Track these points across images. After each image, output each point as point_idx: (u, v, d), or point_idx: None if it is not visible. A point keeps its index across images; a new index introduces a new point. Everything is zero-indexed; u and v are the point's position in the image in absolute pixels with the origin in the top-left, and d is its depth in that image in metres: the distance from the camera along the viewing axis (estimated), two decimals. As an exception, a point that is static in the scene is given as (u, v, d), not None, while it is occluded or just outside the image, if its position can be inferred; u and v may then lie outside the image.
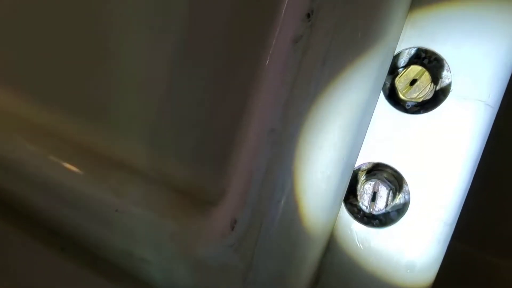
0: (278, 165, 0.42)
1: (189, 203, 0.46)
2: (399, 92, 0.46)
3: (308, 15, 0.41)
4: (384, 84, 0.47)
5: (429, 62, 0.49)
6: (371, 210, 0.46)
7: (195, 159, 0.49)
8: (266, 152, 0.42)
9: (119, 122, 0.52)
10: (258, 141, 0.42)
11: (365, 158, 0.47)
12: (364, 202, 0.46)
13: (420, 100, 0.46)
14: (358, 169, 0.48)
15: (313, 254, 0.45)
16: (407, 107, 0.49)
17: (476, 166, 0.45)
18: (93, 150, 0.51)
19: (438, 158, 0.45)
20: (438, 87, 0.47)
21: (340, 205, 0.46)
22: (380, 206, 0.46)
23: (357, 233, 0.47)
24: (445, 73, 0.47)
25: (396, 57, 0.47)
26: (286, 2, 0.42)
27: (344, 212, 0.47)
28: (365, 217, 0.47)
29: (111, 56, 0.52)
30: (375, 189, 0.46)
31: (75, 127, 0.51)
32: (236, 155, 0.44)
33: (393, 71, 0.48)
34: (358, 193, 0.47)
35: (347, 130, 0.42)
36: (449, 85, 0.46)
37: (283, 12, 0.42)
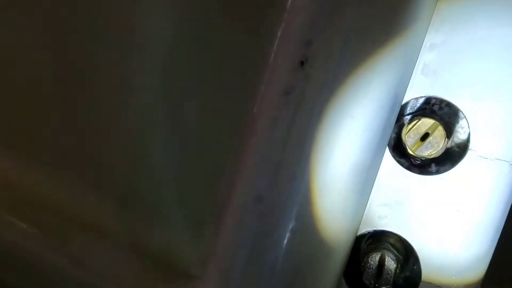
0: (266, 240, 0.35)
1: (163, 276, 0.39)
2: (408, 149, 0.40)
3: (302, 63, 0.34)
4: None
5: (440, 108, 0.42)
6: (376, 285, 0.39)
7: (173, 222, 0.42)
8: (251, 224, 0.35)
9: (86, 176, 0.45)
10: (243, 210, 0.36)
11: (368, 225, 0.40)
12: (368, 277, 0.39)
13: (432, 157, 0.40)
14: (361, 237, 0.41)
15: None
16: (415, 163, 0.42)
17: (499, 235, 0.39)
18: (52, 207, 0.44)
19: (453, 228, 0.38)
20: (450, 142, 0.40)
21: (340, 280, 0.40)
22: (387, 281, 0.39)
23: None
24: (459, 124, 0.41)
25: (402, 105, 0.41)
26: (275, 47, 0.35)
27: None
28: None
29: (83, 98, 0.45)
30: (381, 262, 0.39)
31: (32, 179, 0.45)
32: (219, 224, 0.37)
33: (399, 119, 0.42)
34: (359, 262, 0.40)
35: (348, 198, 0.35)
36: (466, 140, 0.39)
37: (272, 59, 0.35)
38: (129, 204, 0.44)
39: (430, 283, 0.39)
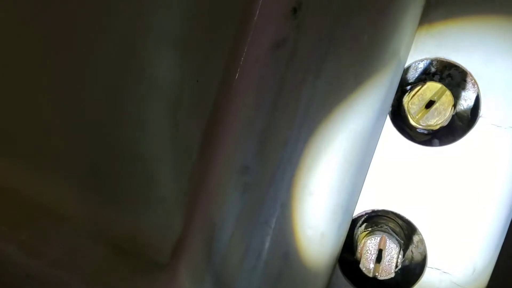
0: (252, 218, 0.29)
1: (128, 265, 0.34)
2: (411, 117, 0.35)
3: (294, 10, 0.29)
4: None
5: (441, 79, 0.38)
6: (377, 274, 0.34)
7: (141, 206, 0.36)
8: (235, 200, 0.30)
9: (44, 158, 0.39)
10: (225, 183, 0.30)
11: (364, 204, 0.35)
12: (366, 264, 0.34)
13: (438, 127, 0.35)
14: (357, 218, 0.36)
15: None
16: (416, 134, 0.38)
17: (512, 215, 0.34)
18: (5, 190, 0.38)
19: (465, 204, 0.34)
20: (455, 111, 0.36)
21: (335, 267, 0.34)
22: (388, 269, 0.34)
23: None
24: (464, 94, 0.36)
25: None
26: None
27: (339, 277, 0.35)
28: (368, 284, 0.35)
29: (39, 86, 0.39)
30: (381, 246, 0.34)
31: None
32: (195, 203, 0.32)
33: (397, 89, 0.37)
34: (358, 251, 0.35)
35: (346, 169, 0.30)
36: (471, 108, 0.35)
37: (259, 6, 0.30)
38: (93, 188, 0.38)
39: (437, 269, 0.34)
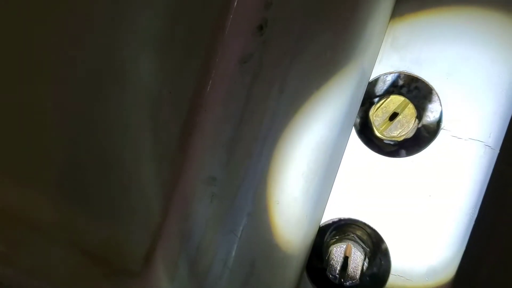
0: (219, 227, 0.30)
1: (99, 273, 0.35)
2: (375, 129, 0.36)
3: (261, 27, 0.30)
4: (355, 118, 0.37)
5: (409, 91, 0.39)
6: (342, 281, 0.35)
7: (114, 215, 0.37)
8: (202, 209, 0.31)
9: (15, 165, 0.39)
10: (192, 194, 0.31)
11: (332, 213, 0.36)
12: (332, 270, 0.35)
13: (402, 138, 0.37)
14: (326, 227, 0.37)
15: None
16: (383, 146, 0.39)
17: (474, 220, 0.35)
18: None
19: (426, 213, 0.35)
20: (421, 123, 0.37)
21: (302, 273, 0.35)
22: (353, 275, 0.35)
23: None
24: (430, 106, 0.38)
25: (369, 85, 0.37)
26: (233, 10, 0.31)
27: (306, 284, 0.36)
28: (333, 290, 0.36)
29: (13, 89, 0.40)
30: (347, 254, 0.35)
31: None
32: (165, 212, 0.33)
33: (365, 102, 0.38)
34: (325, 257, 0.36)
35: (311, 179, 0.31)
36: (437, 121, 0.36)
37: (229, 22, 0.31)
38: (66, 196, 0.39)
39: (401, 276, 0.35)
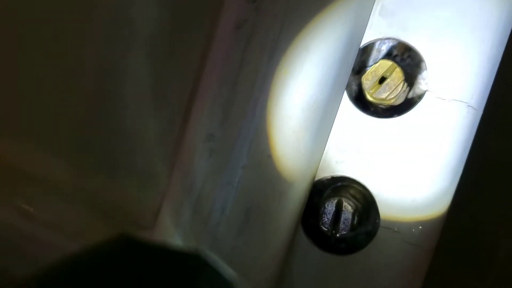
0: (217, 179, 0.33)
1: (112, 227, 0.38)
2: (366, 93, 0.39)
3: (253, -5, 0.33)
4: (350, 85, 0.40)
5: (402, 60, 0.41)
6: (334, 232, 0.38)
7: (124, 176, 0.40)
8: (202, 163, 0.34)
9: (33, 129, 0.43)
10: (194, 150, 0.34)
11: (326, 171, 0.39)
12: (325, 223, 0.38)
13: (391, 102, 0.39)
14: (320, 183, 0.40)
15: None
16: (377, 111, 0.41)
17: (458, 179, 0.38)
18: None
19: (413, 171, 0.37)
20: (412, 92, 0.39)
21: (297, 227, 0.38)
22: (344, 228, 0.38)
23: (318, 261, 0.39)
24: (422, 75, 0.40)
25: (364, 54, 0.39)
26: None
27: (301, 236, 0.39)
28: (327, 242, 0.39)
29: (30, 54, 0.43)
30: (339, 208, 0.38)
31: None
32: (169, 169, 0.36)
33: (361, 70, 0.41)
34: (319, 212, 0.39)
35: (302, 136, 0.34)
36: (425, 91, 0.38)
37: (223, -9, 0.34)
38: (81, 159, 0.42)
39: (389, 228, 0.37)
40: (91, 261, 0.22)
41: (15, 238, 0.38)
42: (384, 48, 0.41)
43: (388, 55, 0.41)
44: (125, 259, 0.22)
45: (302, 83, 0.33)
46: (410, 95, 0.40)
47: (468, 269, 0.64)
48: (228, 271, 0.24)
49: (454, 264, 0.63)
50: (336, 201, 0.38)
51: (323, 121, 0.36)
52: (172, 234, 0.35)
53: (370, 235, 0.39)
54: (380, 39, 0.40)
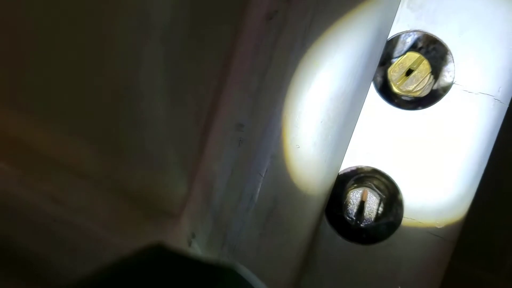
0: (246, 168, 0.34)
1: (141, 213, 0.39)
2: (393, 84, 0.39)
3: (285, -14, 0.33)
4: (375, 77, 0.40)
5: (427, 52, 0.42)
6: (358, 222, 0.38)
7: (152, 162, 0.41)
8: (231, 152, 0.34)
9: (64, 118, 0.44)
10: (223, 139, 0.35)
11: (351, 162, 0.40)
12: (349, 213, 0.39)
13: (417, 94, 0.39)
14: (344, 174, 0.40)
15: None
16: (402, 103, 0.41)
17: (483, 172, 0.38)
18: (31, 148, 0.43)
19: (438, 163, 0.38)
20: (437, 84, 0.40)
21: (322, 217, 0.39)
22: (369, 218, 0.38)
23: (342, 250, 0.40)
24: (447, 67, 0.40)
25: (389, 46, 0.40)
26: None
27: (326, 225, 0.40)
28: (350, 231, 0.40)
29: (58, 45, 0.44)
30: (363, 198, 0.39)
31: (10, 121, 0.43)
32: (198, 156, 0.37)
33: (385, 62, 0.41)
34: (343, 202, 0.40)
35: (330, 126, 0.34)
36: (453, 79, 0.39)
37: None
38: (110, 148, 0.43)
39: (412, 218, 0.38)
40: (126, 272, 0.22)
41: (47, 223, 0.39)
42: (409, 41, 0.41)
43: (413, 48, 0.41)
44: (160, 271, 0.23)
45: (331, 75, 0.34)
46: (435, 87, 0.40)
47: (481, 261, 0.65)
48: (261, 285, 0.24)
49: (467, 256, 0.63)
50: (361, 191, 0.38)
51: (350, 112, 0.36)
52: (200, 221, 0.35)
53: (394, 225, 0.39)
54: (406, 32, 0.40)
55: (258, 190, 0.34)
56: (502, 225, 0.63)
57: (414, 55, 0.38)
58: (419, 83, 0.39)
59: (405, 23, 0.39)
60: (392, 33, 0.39)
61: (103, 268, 0.22)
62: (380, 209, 0.38)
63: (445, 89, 0.40)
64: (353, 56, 0.34)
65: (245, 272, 0.23)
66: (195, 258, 0.23)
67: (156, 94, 0.41)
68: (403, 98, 0.41)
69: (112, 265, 0.22)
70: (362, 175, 0.41)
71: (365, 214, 0.38)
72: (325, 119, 0.34)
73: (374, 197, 0.38)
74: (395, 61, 0.39)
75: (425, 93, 0.40)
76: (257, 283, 0.23)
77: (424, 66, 0.38)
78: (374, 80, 0.40)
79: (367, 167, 0.40)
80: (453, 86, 0.38)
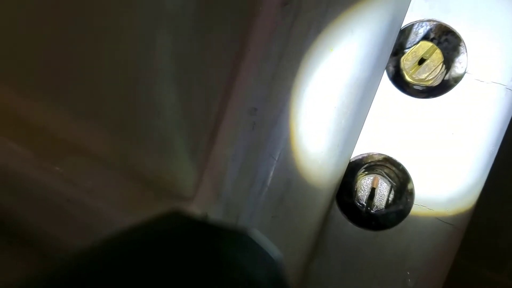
0: (259, 152, 0.34)
1: (153, 196, 0.39)
2: (405, 73, 0.39)
3: (301, -28, 0.34)
4: (388, 65, 0.40)
5: (439, 42, 0.42)
6: (369, 209, 0.39)
7: (165, 146, 0.41)
8: (244, 136, 0.35)
9: (78, 101, 0.44)
10: (236, 123, 0.35)
11: (363, 149, 0.40)
12: (360, 199, 0.39)
13: (429, 83, 0.40)
14: (354, 162, 0.41)
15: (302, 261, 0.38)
16: (414, 92, 0.42)
17: (493, 161, 0.38)
18: (45, 130, 0.43)
19: (449, 151, 0.38)
20: (448, 74, 0.40)
21: (333, 203, 0.39)
22: (379, 204, 0.39)
23: (352, 236, 0.40)
24: (459, 58, 0.40)
25: (402, 36, 0.40)
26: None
27: (336, 211, 0.40)
28: (360, 217, 0.40)
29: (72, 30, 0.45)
30: (374, 185, 0.39)
31: (24, 103, 0.44)
32: (211, 140, 0.37)
33: (398, 52, 0.41)
34: (354, 189, 0.40)
35: (344, 112, 0.35)
36: (465, 70, 0.39)
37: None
38: (124, 133, 0.43)
39: (423, 206, 0.38)
40: (145, 238, 0.23)
41: (61, 203, 0.40)
42: (422, 31, 0.41)
43: (426, 37, 0.41)
44: (178, 237, 0.23)
45: (345, 61, 0.34)
46: (447, 77, 0.40)
47: (483, 260, 0.65)
48: (275, 251, 0.25)
49: (470, 255, 0.63)
50: (372, 177, 0.39)
51: (363, 99, 0.36)
52: (213, 204, 0.36)
53: (404, 212, 0.39)
54: (419, 21, 0.40)
55: (271, 173, 0.34)
56: (504, 222, 0.64)
57: (427, 44, 0.39)
58: (432, 72, 0.39)
59: (419, 12, 0.39)
60: (405, 22, 0.40)
61: (121, 234, 0.22)
62: (391, 196, 0.39)
63: (457, 79, 0.40)
64: (368, 44, 0.35)
65: (260, 236, 0.24)
66: (212, 223, 0.23)
67: (169, 80, 0.42)
68: (415, 87, 0.41)
69: (129, 231, 0.22)
70: (372, 163, 0.41)
71: (375, 200, 0.39)
72: (338, 105, 0.35)
73: (385, 184, 0.39)
74: (408, 50, 0.39)
75: (437, 82, 0.40)
76: (271, 248, 0.24)
77: (437, 55, 0.39)
78: (387, 69, 0.40)
79: (379, 154, 0.40)
80: (465, 75, 0.38)
